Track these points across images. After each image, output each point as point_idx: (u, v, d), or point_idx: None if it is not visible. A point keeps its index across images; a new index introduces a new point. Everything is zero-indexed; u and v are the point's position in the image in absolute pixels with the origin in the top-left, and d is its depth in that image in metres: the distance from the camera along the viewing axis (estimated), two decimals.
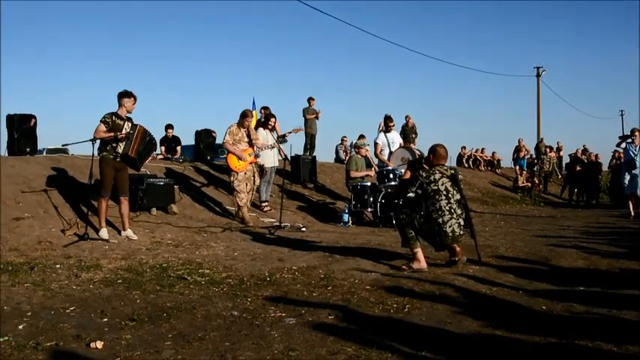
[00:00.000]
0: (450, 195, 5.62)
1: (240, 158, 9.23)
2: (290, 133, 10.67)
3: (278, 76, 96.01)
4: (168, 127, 14.24)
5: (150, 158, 9.37)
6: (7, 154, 10.18)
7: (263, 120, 10.71)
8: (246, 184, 9.30)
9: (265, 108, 11.00)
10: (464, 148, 23.43)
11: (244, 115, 9.46)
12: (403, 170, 6.42)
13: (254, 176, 9.46)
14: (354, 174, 10.57)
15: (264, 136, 10.06)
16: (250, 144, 9.42)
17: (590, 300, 4.36)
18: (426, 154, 6.20)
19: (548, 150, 22.75)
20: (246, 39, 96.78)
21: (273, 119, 10.55)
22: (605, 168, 21.45)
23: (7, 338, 3.40)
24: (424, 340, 3.38)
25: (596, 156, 20.36)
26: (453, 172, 5.77)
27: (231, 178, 9.33)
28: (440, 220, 5.57)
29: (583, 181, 19.25)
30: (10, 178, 7.98)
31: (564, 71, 75.14)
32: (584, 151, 22.40)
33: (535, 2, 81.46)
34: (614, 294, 4.62)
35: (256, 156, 9.52)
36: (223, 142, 9.45)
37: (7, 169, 8.23)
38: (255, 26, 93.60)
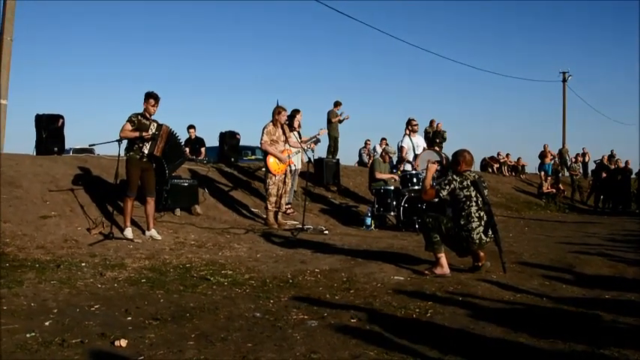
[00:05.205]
0: (479, 202, 5.58)
1: (280, 160, 9.14)
2: (319, 135, 10.58)
3: (302, 78, 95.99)
4: (190, 127, 14.35)
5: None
6: (35, 154, 10.36)
7: (288, 122, 10.54)
8: (278, 188, 9.31)
9: (297, 111, 10.81)
10: (499, 153, 23.04)
11: (278, 110, 9.23)
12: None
13: (285, 179, 9.43)
14: (379, 175, 10.52)
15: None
16: (287, 142, 9.32)
17: (617, 308, 4.30)
18: (450, 158, 6.13)
19: (574, 159, 22.53)
20: (271, 41, 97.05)
21: (299, 116, 10.33)
22: (633, 175, 21.07)
23: (33, 334, 3.46)
24: (448, 345, 3.36)
25: (626, 162, 19.99)
26: (475, 177, 5.73)
27: (268, 180, 9.23)
28: (469, 226, 5.53)
29: (609, 187, 18.98)
30: (37, 176, 8.11)
31: (590, 76, 73.73)
32: (611, 157, 22.03)
33: (561, 6, 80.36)
34: None
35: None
36: (261, 143, 9.22)
37: (35, 168, 8.37)
38: (281, 28, 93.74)
